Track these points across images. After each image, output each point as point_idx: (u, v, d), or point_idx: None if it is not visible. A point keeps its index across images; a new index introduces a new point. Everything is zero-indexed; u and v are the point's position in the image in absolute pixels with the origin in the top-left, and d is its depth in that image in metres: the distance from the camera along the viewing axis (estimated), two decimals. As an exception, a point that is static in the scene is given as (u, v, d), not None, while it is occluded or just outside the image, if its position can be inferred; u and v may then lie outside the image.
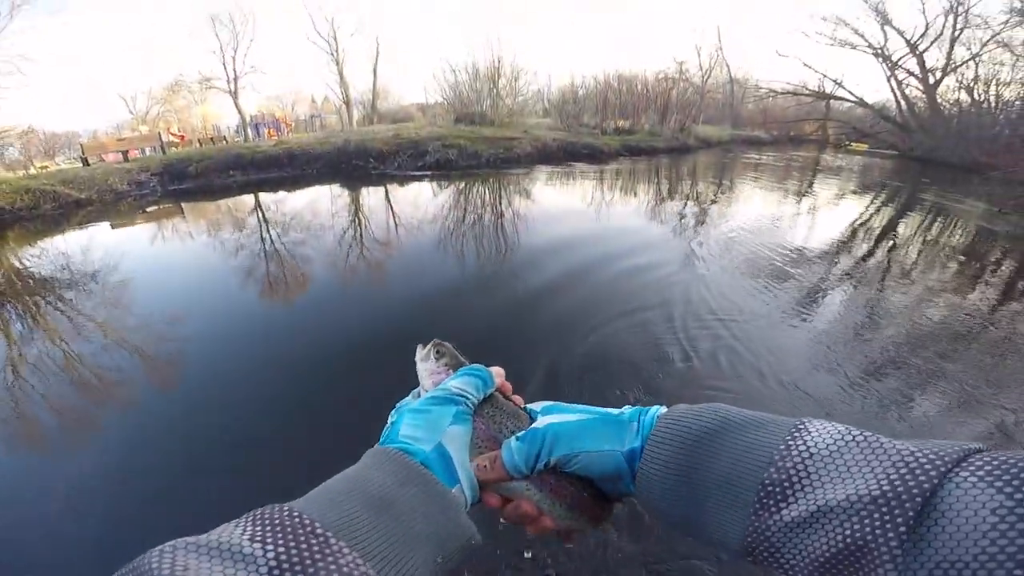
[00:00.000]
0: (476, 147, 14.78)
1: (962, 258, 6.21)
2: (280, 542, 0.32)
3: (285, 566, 0.30)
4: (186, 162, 13.61)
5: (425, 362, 0.59)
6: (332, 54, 29.61)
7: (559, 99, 24.91)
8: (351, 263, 5.83)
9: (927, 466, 0.31)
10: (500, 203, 9.53)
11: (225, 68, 27.35)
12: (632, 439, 0.48)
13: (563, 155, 16.07)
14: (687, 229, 7.04)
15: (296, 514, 0.35)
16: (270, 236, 7.26)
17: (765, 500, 0.36)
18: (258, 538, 0.32)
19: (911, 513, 0.29)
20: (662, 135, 21.66)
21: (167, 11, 50.39)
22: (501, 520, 0.52)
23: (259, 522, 0.34)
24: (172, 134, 22.44)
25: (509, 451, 0.51)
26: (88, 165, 14.64)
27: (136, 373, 3.49)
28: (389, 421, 0.53)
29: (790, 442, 0.37)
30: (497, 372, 0.58)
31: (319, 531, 0.34)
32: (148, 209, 10.93)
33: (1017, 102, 21.63)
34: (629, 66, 32.54)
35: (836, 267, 5.44)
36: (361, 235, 7.08)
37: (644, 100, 24.21)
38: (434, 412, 0.52)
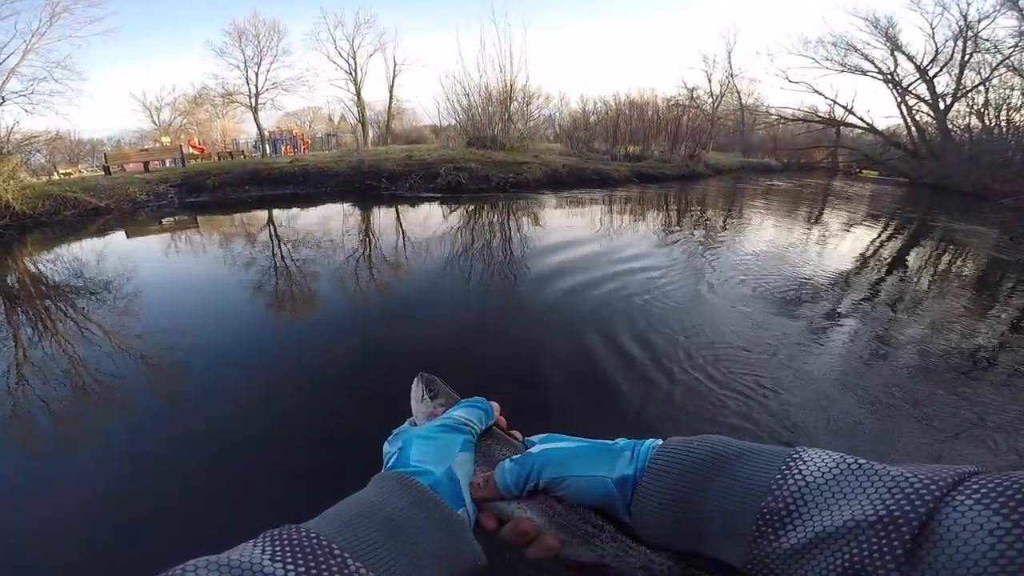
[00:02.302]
0: (487, 171, 15.00)
1: (973, 289, 6.18)
2: (300, 562, 0.33)
3: None
4: (204, 175, 13.97)
5: (421, 404, 0.63)
6: (351, 73, 30.42)
7: (570, 125, 25.27)
8: (358, 283, 5.94)
9: (922, 491, 0.31)
10: (508, 228, 9.65)
11: (248, 83, 28.18)
12: (624, 467, 0.49)
13: (573, 181, 16.24)
14: (696, 258, 7.08)
15: (314, 535, 0.36)
16: (281, 252, 7.43)
17: (763, 528, 0.37)
18: (279, 558, 0.33)
19: (907, 537, 0.30)
20: (672, 162, 21.83)
21: (199, 24, 52.11)
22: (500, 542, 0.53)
23: (278, 542, 0.35)
24: (193, 146, 23.05)
25: (502, 471, 0.53)
26: (109, 174, 15.07)
27: (140, 381, 3.57)
28: (388, 448, 0.56)
29: (785, 471, 0.38)
30: (495, 407, 0.62)
31: (336, 552, 0.35)
32: (164, 220, 11.20)
33: (1028, 127, 21.49)
34: (640, 88, 32.98)
35: (845, 300, 5.44)
36: (370, 255, 7.22)
37: (655, 126, 24.47)
38: (442, 439, 0.55)
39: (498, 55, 22.10)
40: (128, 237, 9.50)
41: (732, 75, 35.70)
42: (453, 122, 22.57)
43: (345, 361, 3.77)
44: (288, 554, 0.34)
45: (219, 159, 20.24)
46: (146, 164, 16.32)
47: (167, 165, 18.11)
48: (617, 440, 0.54)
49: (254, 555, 0.33)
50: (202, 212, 11.94)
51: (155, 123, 32.97)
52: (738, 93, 36.15)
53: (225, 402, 3.24)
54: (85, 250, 8.26)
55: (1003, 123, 22.85)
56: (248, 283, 5.86)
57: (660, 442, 0.50)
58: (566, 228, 9.17)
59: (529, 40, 32.73)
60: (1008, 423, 3.16)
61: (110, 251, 7.98)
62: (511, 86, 21.37)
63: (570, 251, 7.26)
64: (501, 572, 2.11)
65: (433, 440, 0.54)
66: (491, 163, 15.76)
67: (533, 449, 0.55)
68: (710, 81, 35.80)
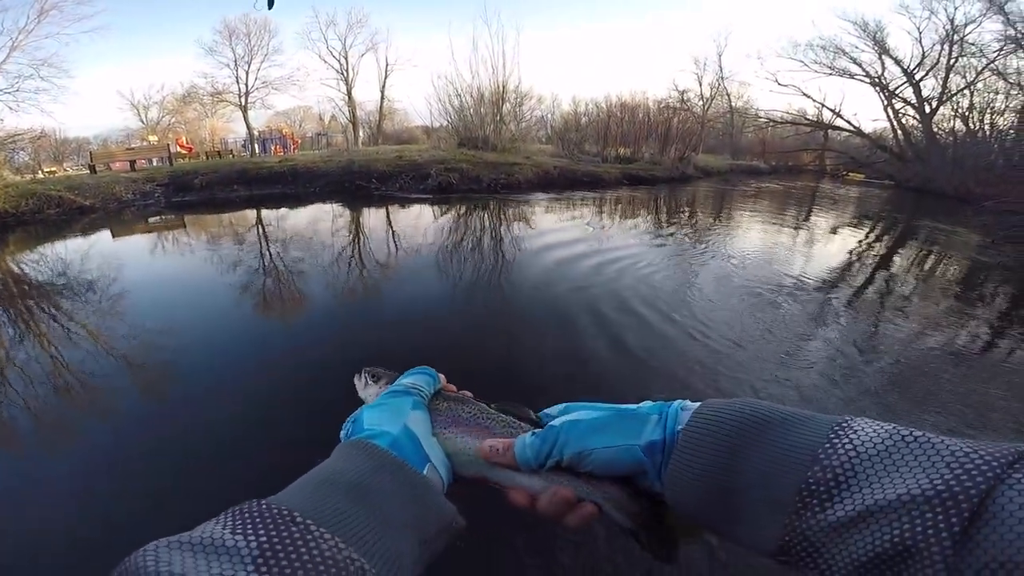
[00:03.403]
0: (477, 172, 15.00)
1: (956, 291, 6.29)
2: (261, 532, 0.33)
3: (268, 554, 0.31)
4: (192, 174, 13.84)
5: (367, 389, 0.65)
6: (342, 73, 30.27)
7: (562, 126, 25.35)
8: (348, 283, 5.92)
9: (983, 467, 0.31)
10: (499, 228, 9.67)
11: (237, 82, 27.95)
12: (652, 431, 0.47)
13: (564, 182, 16.28)
14: (686, 259, 7.13)
15: (275, 506, 0.36)
16: (270, 252, 7.37)
17: (808, 500, 0.35)
18: (239, 530, 0.33)
19: (966, 514, 0.29)
20: (662, 164, 21.97)
21: (189, 22, 51.59)
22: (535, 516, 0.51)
23: (239, 516, 0.35)
24: (181, 145, 22.80)
25: (522, 444, 0.51)
26: (95, 172, 14.87)
27: (126, 382, 3.53)
28: (343, 433, 0.54)
29: (834, 440, 0.36)
30: (442, 376, 0.62)
31: (299, 520, 0.35)
32: (150, 220, 11.08)
33: (1011, 131, 21.89)
34: (631, 90, 33.17)
35: (831, 300, 5.51)
36: (360, 255, 7.20)
37: (645, 129, 24.61)
38: (392, 403, 0.55)
39: (491, 56, 22.20)
40: (114, 237, 9.38)
41: (722, 78, 36.00)
42: (444, 123, 22.55)
43: (336, 360, 3.75)
44: (249, 526, 0.33)
45: (207, 158, 20.06)
46: (133, 163, 16.12)
47: (154, 164, 17.90)
48: (641, 404, 0.51)
49: (215, 530, 0.33)
50: (189, 212, 11.82)
51: (143, 122, 32.57)
52: (728, 96, 36.47)
53: (215, 402, 3.21)
54: (69, 249, 8.14)
55: (987, 127, 23.26)
56: (236, 283, 5.82)
57: (690, 403, 0.48)
58: (557, 229, 9.20)
59: (522, 41, 32.79)
60: (992, 424, 3.22)
61: (95, 251, 7.88)
62: (503, 87, 21.40)
63: (561, 252, 7.28)
64: (481, 530, 2.14)
65: (383, 405, 0.55)
66: (482, 164, 15.76)
67: (554, 422, 0.53)
68: (700, 84, 36.06)
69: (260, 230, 9.49)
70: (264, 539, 0.32)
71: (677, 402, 0.49)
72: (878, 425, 0.37)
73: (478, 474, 0.55)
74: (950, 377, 3.81)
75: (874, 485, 0.33)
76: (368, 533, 0.38)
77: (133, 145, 22.46)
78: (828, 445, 0.36)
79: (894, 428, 0.36)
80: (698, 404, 0.47)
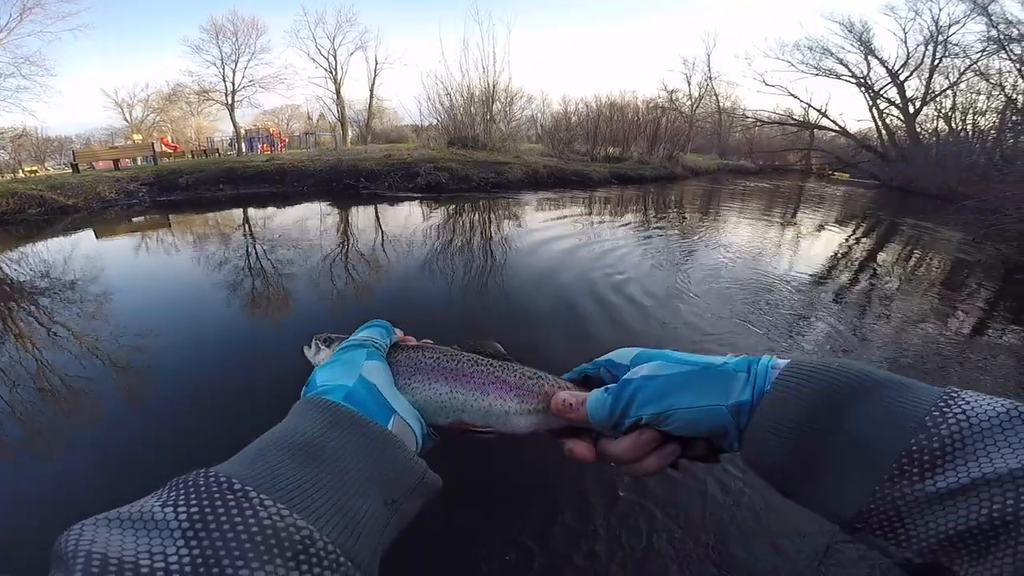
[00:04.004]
0: (467, 171, 14.99)
1: (938, 289, 6.40)
2: (193, 502, 0.30)
3: (199, 526, 0.29)
4: (177, 173, 13.68)
5: (319, 355, 0.60)
6: (331, 72, 30.08)
7: (552, 126, 25.41)
8: (336, 282, 5.89)
9: None
10: (489, 227, 9.67)
11: (224, 80, 27.67)
12: (740, 391, 0.43)
13: (553, 181, 16.32)
14: (673, 258, 7.18)
15: (212, 474, 0.33)
16: (256, 252, 7.31)
17: (907, 467, 0.33)
18: (170, 503, 0.31)
19: None
20: (651, 163, 22.09)
21: (175, 20, 50.89)
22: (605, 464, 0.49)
23: (175, 487, 0.32)
24: (166, 144, 22.53)
25: (596, 402, 0.48)
26: (78, 172, 14.64)
27: (110, 384, 3.48)
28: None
29: (944, 408, 0.34)
30: (398, 331, 0.59)
31: (237, 486, 0.31)
32: (135, 219, 10.93)
33: (992, 131, 22.30)
34: (621, 89, 33.33)
35: (817, 298, 5.59)
36: (348, 254, 7.16)
37: (634, 128, 24.74)
38: (344, 357, 0.51)
39: (481, 55, 22.16)
40: (97, 237, 9.24)
41: (711, 78, 36.33)
42: (434, 122, 22.51)
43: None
44: (181, 497, 0.31)
45: (193, 157, 19.84)
46: (116, 162, 15.90)
47: (139, 163, 17.66)
48: (726, 359, 0.47)
49: (146, 504, 0.31)
50: (174, 211, 11.68)
51: (127, 120, 32.15)
52: (716, 96, 36.80)
53: (201, 404, 3.18)
54: (51, 250, 8.01)
55: (969, 127, 23.68)
56: (223, 283, 5.76)
57: (779, 360, 0.44)
58: (547, 227, 9.22)
59: (513, 40, 32.66)
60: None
61: (78, 251, 7.75)
62: (493, 86, 21.40)
63: (552, 249, 7.31)
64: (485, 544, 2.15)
65: (335, 362, 0.50)
66: (472, 163, 15.75)
67: (629, 376, 0.48)
68: (689, 84, 36.38)
69: (247, 229, 9.40)
70: (195, 510, 0.30)
71: (766, 358, 0.45)
72: (992, 399, 0.35)
73: (457, 421, 0.53)
74: (932, 372, 3.89)
75: (982, 458, 0.32)
76: (321, 497, 0.34)
77: (117, 144, 22.13)
78: (936, 413, 0.34)
79: (1011, 403, 0.34)
80: (787, 361, 0.44)
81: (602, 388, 0.49)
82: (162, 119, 32.19)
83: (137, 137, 25.15)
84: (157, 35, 52.87)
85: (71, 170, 15.14)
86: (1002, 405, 0.34)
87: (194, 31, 37.05)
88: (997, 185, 10.82)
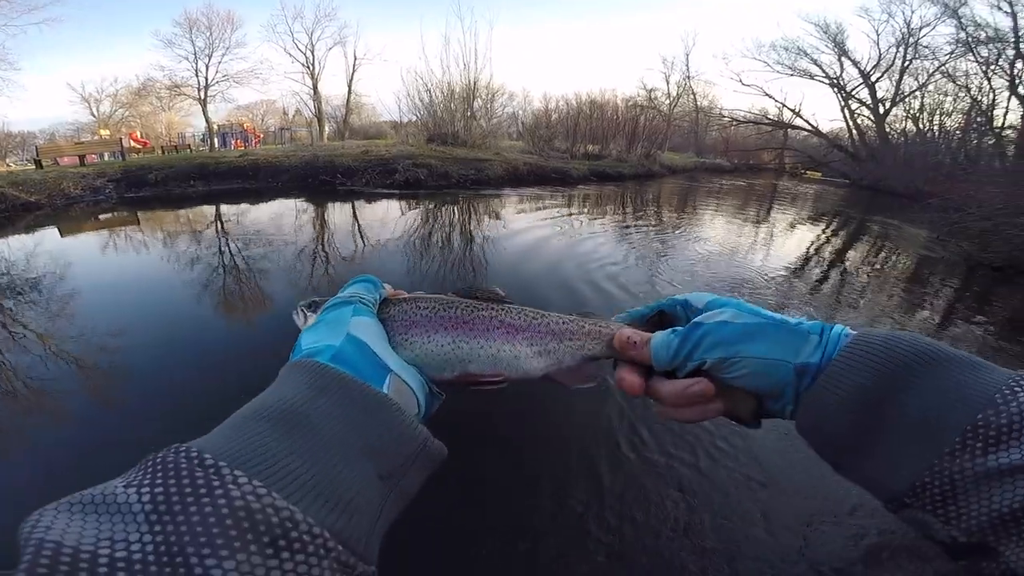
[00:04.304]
0: (447, 167, 14.90)
1: (904, 285, 6.59)
2: (159, 482, 0.27)
3: (163, 507, 0.26)
4: (146, 169, 13.28)
5: (306, 321, 0.55)
6: (308, 67, 29.58)
7: (532, 123, 25.43)
8: (311, 279, 5.80)
9: None
10: (469, 223, 9.66)
11: (197, 75, 26.99)
12: (811, 352, 0.42)
13: (533, 178, 16.34)
14: (651, 254, 7.25)
15: (183, 449, 0.29)
16: (230, 249, 7.15)
17: (970, 441, 0.33)
18: (134, 483, 0.28)
19: None
20: (629, 161, 22.29)
21: (146, 13, 49.34)
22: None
23: (143, 467, 0.29)
24: (135, 139, 21.87)
25: (661, 341, 0.47)
26: (41, 168, 14.09)
27: (77, 385, 3.38)
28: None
29: (1015, 388, 0.34)
30: (386, 284, 0.55)
31: (208, 462, 0.28)
32: (102, 216, 10.59)
33: (957, 132, 23.09)
34: (601, 88, 33.52)
35: (792, 289, 5.72)
36: (323, 251, 7.06)
37: (614, 126, 24.91)
38: (329, 316, 0.47)
39: (463, 51, 22.01)
40: (62, 234, 8.91)
41: (689, 77, 36.82)
42: (414, 118, 22.31)
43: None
44: (147, 477, 0.28)
45: (163, 153, 19.29)
46: (82, 158, 15.35)
47: (106, 159, 17.10)
48: (801, 319, 0.46)
49: (110, 486, 0.28)
50: (143, 208, 11.34)
51: (94, 115, 31.10)
52: (694, 95, 37.28)
53: (175, 404, 3.10)
54: (13, 248, 7.70)
55: (936, 128, 24.49)
56: (195, 282, 5.62)
57: (852, 332, 0.43)
58: (528, 223, 9.23)
59: (496, 37, 32.61)
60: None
61: (42, 249, 7.47)
62: (475, 83, 21.31)
63: (532, 244, 7.31)
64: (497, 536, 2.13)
65: (320, 322, 0.46)
66: (451, 159, 15.67)
67: (700, 318, 0.47)
68: (668, 82, 36.78)
69: (219, 226, 9.19)
70: (160, 490, 0.26)
71: (839, 327, 0.44)
72: None
73: (463, 373, 0.49)
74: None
75: None
76: (303, 471, 0.30)
77: (83, 140, 21.39)
78: (1007, 391, 0.34)
79: None
80: (856, 332, 0.43)
81: (669, 330, 0.48)
82: (131, 114, 31.20)
83: (105, 132, 24.33)
84: (127, 28, 51.12)
85: (34, 166, 14.56)
86: None
87: (166, 24, 35.92)
88: (961, 184, 11.21)
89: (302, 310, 0.57)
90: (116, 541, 0.24)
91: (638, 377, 0.48)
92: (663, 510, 2.25)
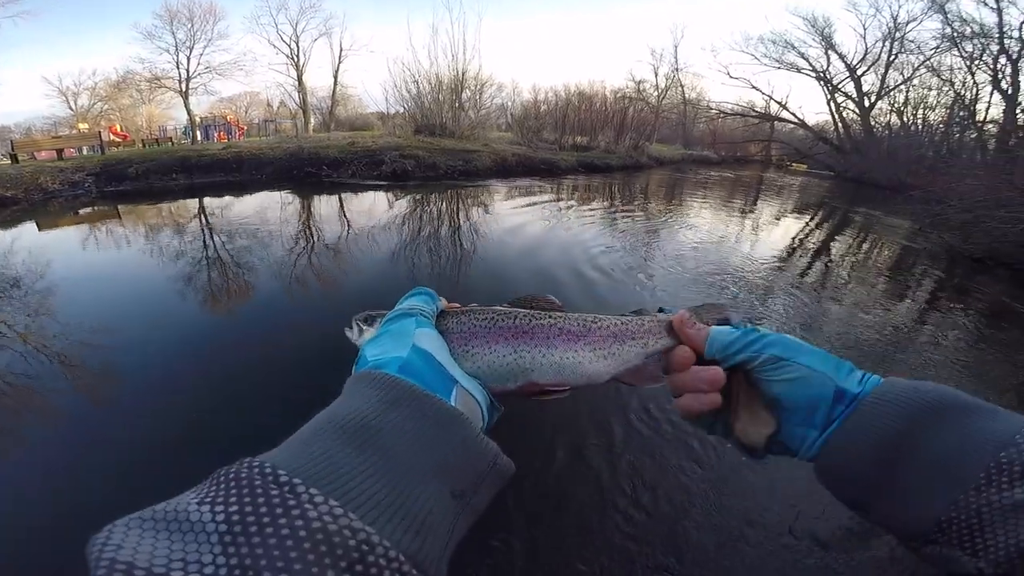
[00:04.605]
0: (434, 158, 14.80)
1: (887, 274, 6.70)
2: (233, 499, 0.26)
3: (237, 528, 0.24)
4: (126, 163, 12.99)
5: (363, 337, 0.55)
6: (292, 58, 29.10)
7: (521, 114, 25.33)
8: (296, 271, 5.72)
9: None
10: (458, 214, 9.61)
11: (178, 67, 26.49)
12: (852, 383, 0.44)
13: (521, 170, 16.31)
14: (638, 246, 7.27)
15: (256, 464, 0.28)
16: (214, 243, 7.03)
17: (995, 477, 0.34)
18: (208, 499, 0.26)
19: None
20: (617, 152, 22.32)
21: (125, 4, 47.98)
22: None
23: (215, 481, 0.28)
24: (114, 133, 21.40)
25: (721, 329, 0.50)
26: (17, 162, 13.74)
27: (62, 384, 3.30)
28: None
29: None
30: (441, 298, 0.54)
31: (283, 479, 0.27)
32: (81, 211, 10.36)
33: (940, 126, 23.47)
34: (590, 79, 33.45)
35: (779, 277, 5.78)
36: (311, 244, 6.97)
37: (602, 118, 24.90)
38: (393, 327, 0.46)
39: (451, 42, 21.85)
40: (40, 229, 8.71)
41: (677, 69, 36.82)
42: (401, 109, 22.09)
43: (289, 354, 3.62)
44: (221, 493, 0.27)
45: (144, 146, 18.88)
46: (60, 152, 14.98)
47: (85, 153, 16.71)
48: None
49: (182, 501, 0.27)
50: (124, 202, 11.10)
51: (72, 109, 30.37)
52: (682, 87, 37.34)
53: (160, 402, 3.04)
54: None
55: (919, 121, 24.85)
56: (179, 276, 5.52)
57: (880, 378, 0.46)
58: (516, 213, 9.21)
59: (486, 28, 32.32)
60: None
61: (20, 245, 7.28)
62: (463, 74, 21.13)
63: (521, 234, 7.29)
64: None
65: (383, 334, 0.46)
66: (439, 151, 15.56)
67: (762, 329, 0.50)
68: (656, 75, 36.75)
69: (203, 220, 9.03)
70: (235, 508, 0.25)
71: (876, 376, 0.46)
72: None
73: (527, 383, 0.49)
74: (883, 353, 4.07)
75: None
76: (377, 490, 0.29)
77: (61, 133, 20.87)
78: None
79: None
80: (885, 379, 0.45)
81: (731, 325, 0.51)
82: (110, 107, 30.48)
83: (83, 126, 23.78)
84: (106, 21, 49.75)
85: (9, 160, 14.19)
86: None
87: (146, 17, 34.98)
88: (943, 177, 11.39)
89: (357, 324, 0.56)
90: (189, 563, 0.23)
91: (690, 354, 0.50)
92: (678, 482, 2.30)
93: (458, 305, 0.55)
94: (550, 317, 0.52)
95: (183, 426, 2.75)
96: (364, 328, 0.55)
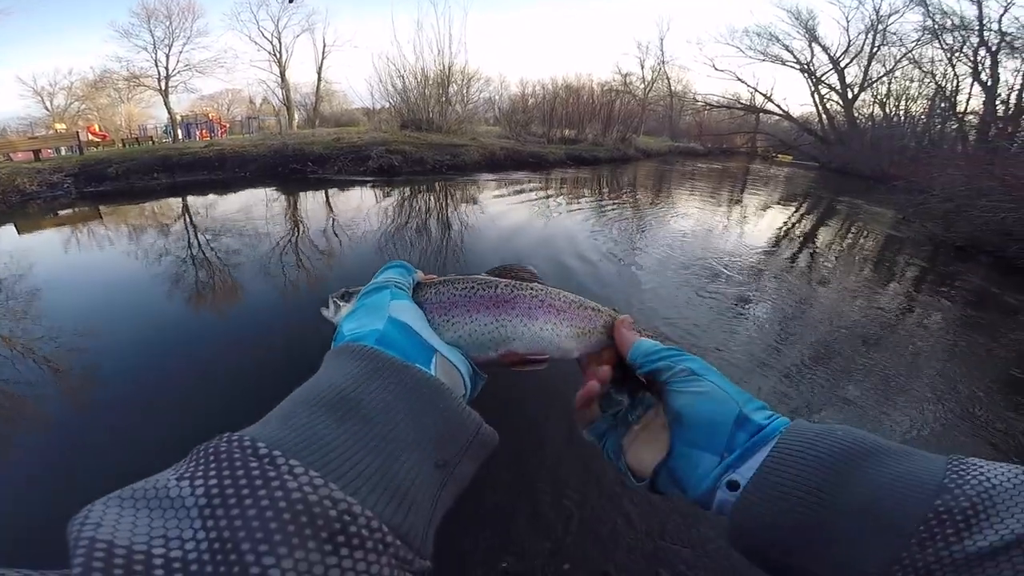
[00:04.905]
0: (421, 153, 14.70)
1: (872, 263, 6.80)
2: (212, 474, 0.25)
3: (216, 501, 0.24)
4: (106, 163, 12.73)
5: (339, 312, 0.55)
6: (274, 55, 28.71)
7: (509, 108, 25.25)
8: (284, 270, 5.66)
9: None
10: (445, 208, 9.57)
11: (157, 65, 26.04)
12: (758, 416, 0.42)
13: (510, 163, 16.27)
14: (625, 238, 7.29)
15: (235, 438, 0.28)
16: (198, 242, 6.93)
17: (937, 528, 0.31)
18: (187, 475, 0.26)
19: None
20: (605, 145, 22.36)
21: (100, 3, 46.78)
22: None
23: (195, 457, 0.28)
24: (93, 133, 20.96)
25: (647, 341, 0.50)
26: (-8, 164, 13.41)
27: (48, 388, 3.25)
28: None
29: (960, 470, 0.34)
30: (418, 270, 0.54)
31: (263, 451, 0.26)
32: (61, 212, 10.14)
33: (922, 117, 23.82)
34: (577, 73, 33.39)
35: (763, 272, 5.82)
36: (296, 242, 6.89)
37: (589, 111, 24.91)
38: (368, 301, 0.46)
39: (436, 37, 21.65)
40: (19, 232, 8.51)
41: (664, 62, 36.93)
42: (387, 105, 21.89)
43: (279, 355, 3.58)
44: (200, 468, 0.26)
45: (124, 146, 18.52)
46: (37, 153, 14.64)
47: (63, 153, 16.35)
48: None
49: (162, 478, 0.26)
50: (105, 202, 10.89)
51: (48, 109, 29.64)
52: (668, 80, 37.46)
53: (147, 405, 3.00)
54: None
55: (901, 112, 25.22)
56: (164, 277, 5.43)
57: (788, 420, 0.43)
58: (505, 206, 9.19)
59: (472, 22, 32.14)
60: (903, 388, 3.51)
61: (-3, 248, 7.12)
62: (449, 68, 20.99)
63: (510, 225, 7.28)
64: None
65: (359, 308, 0.45)
66: (427, 145, 15.47)
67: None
68: (643, 67, 36.84)
69: (187, 219, 8.89)
70: (214, 482, 0.25)
71: (785, 419, 0.43)
72: (999, 464, 0.34)
73: (507, 352, 0.49)
74: (868, 343, 4.13)
75: (1018, 516, 0.30)
76: (360, 461, 0.29)
77: (37, 134, 20.40)
78: (954, 475, 0.33)
79: (1020, 468, 0.34)
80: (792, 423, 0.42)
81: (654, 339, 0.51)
82: (88, 107, 29.80)
83: (60, 126, 23.27)
84: (81, 20, 48.36)
85: (-16, 161, 13.85)
86: (1011, 469, 0.33)
87: (123, 15, 34.18)
88: (925, 167, 11.58)
89: (334, 300, 0.56)
90: (170, 539, 0.22)
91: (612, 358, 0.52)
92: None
93: (435, 276, 0.55)
94: (531, 288, 0.52)
95: (172, 428, 2.71)
96: (341, 304, 0.55)
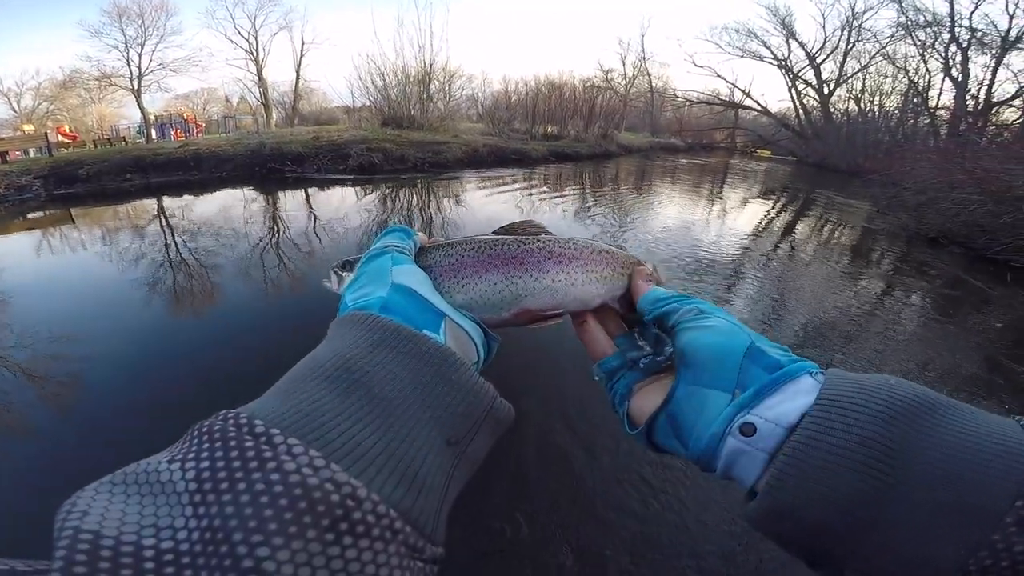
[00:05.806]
0: (403, 151, 14.58)
1: (849, 254, 6.95)
2: (204, 455, 0.23)
3: (208, 486, 0.22)
4: (77, 164, 12.37)
5: (342, 282, 0.52)
6: (251, 53, 28.22)
7: (492, 105, 25.19)
8: (266, 272, 5.56)
9: None
10: (427, 205, 9.53)
11: (129, 65, 25.43)
12: (773, 351, 0.37)
13: (493, 160, 16.24)
14: (608, 232, 7.33)
15: (231, 415, 0.25)
16: (175, 244, 6.78)
17: None
18: (179, 457, 0.24)
19: None
20: (586, 141, 22.45)
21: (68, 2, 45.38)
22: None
23: (188, 437, 0.26)
24: (63, 134, 20.36)
25: (659, 289, 0.48)
26: (-44, 167, 12.94)
27: (24, 397, 3.15)
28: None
29: None
30: (419, 233, 0.52)
31: (259, 429, 0.24)
32: (30, 215, 9.85)
33: (896, 112, 24.40)
34: (560, 69, 33.47)
35: (743, 264, 5.91)
36: (277, 242, 6.79)
37: (571, 107, 24.98)
38: (371, 266, 0.43)
39: (418, 34, 21.45)
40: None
41: (644, 58, 37.20)
42: (367, 102, 21.65)
43: (263, 359, 3.51)
44: (193, 449, 0.24)
45: (95, 146, 18.03)
46: (4, 155, 14.18)
47: (31, 155, 15.86)
48: None
49: (153, 460, 0.24)
50: (76, 204, 10.59)
51: (15, 110, 28.89)
52: (649, 76, 37.75)
53: (128, 411, 2.93)
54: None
55: (876, 108, 25.79)
56: (140, 280, 5.29)
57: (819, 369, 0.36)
58: (489, 202, 9.18)
59: (454, 19, 31.93)
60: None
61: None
62: (431, 65, 20.85)
63: (496, 221, 7.24)
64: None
65: (360, 275, 0.43)
66: (408, 143, 15.34)
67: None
68: (624, 64, 37.08)
69: (162, 221, 8.69)
70: (205, 464, 0.23)
71: (811, 363, 0.36)
72: None
73: (521, 310, 0.47)
74: (847, 327, 4.22)
75: None
76: (364, 439, 0.26)
77: (4, 135, 19.77)
78: None
79: None
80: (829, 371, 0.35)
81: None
82: (57, 108, 29.03)
83: (28, 128, 22.57)
84: (48, 19, 46.98)
85: (-53, 164, 13.36)
86: None
87: (93, 13, 33.27)
88: (898, 161, 11.88)
89: (335, 271, 0.53)
90: (161, 528, 0.20)
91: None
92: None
93: (440, 239, 0.53)
94: (539, 241, 0.50)
95: (155, 431, 2.65)
96: (343, 275, 0.52)
